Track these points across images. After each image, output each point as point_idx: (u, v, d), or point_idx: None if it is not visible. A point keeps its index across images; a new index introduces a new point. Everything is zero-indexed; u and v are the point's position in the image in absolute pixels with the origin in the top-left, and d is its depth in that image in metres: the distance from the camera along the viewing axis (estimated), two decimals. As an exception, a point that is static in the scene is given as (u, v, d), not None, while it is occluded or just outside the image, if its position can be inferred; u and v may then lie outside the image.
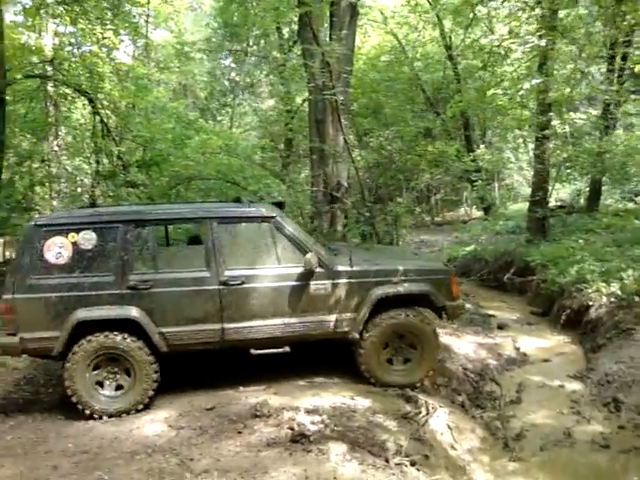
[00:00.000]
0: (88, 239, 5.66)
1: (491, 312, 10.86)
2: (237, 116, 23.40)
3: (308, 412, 5.23)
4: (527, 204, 15.66)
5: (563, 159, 14.34)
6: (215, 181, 10.13)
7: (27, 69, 13.43)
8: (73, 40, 16.20)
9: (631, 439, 5.57)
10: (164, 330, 5.63)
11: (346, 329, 5.96)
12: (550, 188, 14.25)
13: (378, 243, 8.12)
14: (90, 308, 5.54)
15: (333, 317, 5.91)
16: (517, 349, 8.79)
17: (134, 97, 13.37)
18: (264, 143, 16.87)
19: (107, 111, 13.48)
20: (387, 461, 4.62)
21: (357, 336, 5.98)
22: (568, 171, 15.19)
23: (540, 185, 13.91)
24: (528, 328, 9.93)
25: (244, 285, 5.70)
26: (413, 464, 4.69)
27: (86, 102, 14.63)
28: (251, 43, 20.86)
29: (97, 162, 13.64)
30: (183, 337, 5.68)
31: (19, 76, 12.96)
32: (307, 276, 5.79)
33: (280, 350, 5.89)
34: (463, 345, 8.53)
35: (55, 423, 5.56)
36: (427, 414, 5.67)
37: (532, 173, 15.23)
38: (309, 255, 5.70)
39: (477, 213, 22.39)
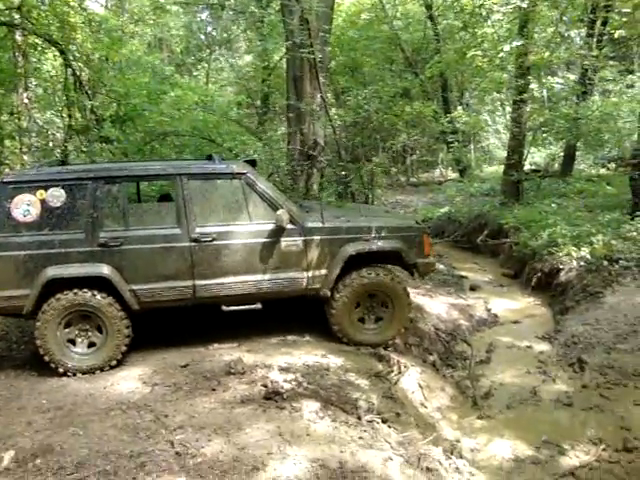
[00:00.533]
0: (57, 196, 5.56)
1: (464, 273, 11.01)
2: (213, 72, 22.92)
3: (281, 370, 5.29)
4: (502, 167, 15.76)
5: (539, 123, 14.40)
6: (190, 137, 9.97)
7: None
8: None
9: (593, 397, 5.74)
10: (135, 287, 5.61)
11: (318, 286, 5.97)
12: (525, 152, 14.34)
13: (353, 202, 8.10)
14: (60, 266, 5.48)
15: (305, 274, 5.92)
16: (488, 310, 8.96)
17: (107, 49, 12.97)
18: (240, 100, 16.61)
19: (79, 63, 13.08)
20: (359, 418, 4.70)
21: (329, 294, 6.00)
22: (544, 135, 15.29)
23: (516, 148, 13.98)
24: (500, 290, 10.11)
25: (215, 242, 5.68)
26: (384, 421, 4.79)
27: (57, 53, 14.20)
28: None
29: (69, 116, 13.28)
30: (154, 294, 5.67)
31: (-15, 24, 12.50)
32: (278, 233, 5.78)
33: (252, 307, 5.94)
34: (435, 305, 8.65)
35: (28, 380, 5.53)
36: (399, 373, 5.79)
37: (508, 136, 15.28)
38: (280, 211, 5.67)
39: (452, 175, 22.45)
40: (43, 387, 5.30)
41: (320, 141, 8.23)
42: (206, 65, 22.05)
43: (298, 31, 7.71)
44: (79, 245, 5.53)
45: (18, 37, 15.17)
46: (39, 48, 15.09)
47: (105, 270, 5.53)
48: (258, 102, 17.75)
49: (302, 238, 5.87)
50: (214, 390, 4.97)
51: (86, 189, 5.60)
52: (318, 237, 5.92)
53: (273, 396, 4.76)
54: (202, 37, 21.98)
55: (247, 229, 5.78)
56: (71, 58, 12.85)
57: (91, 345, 5.67)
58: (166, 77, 14.12)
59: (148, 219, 5.96)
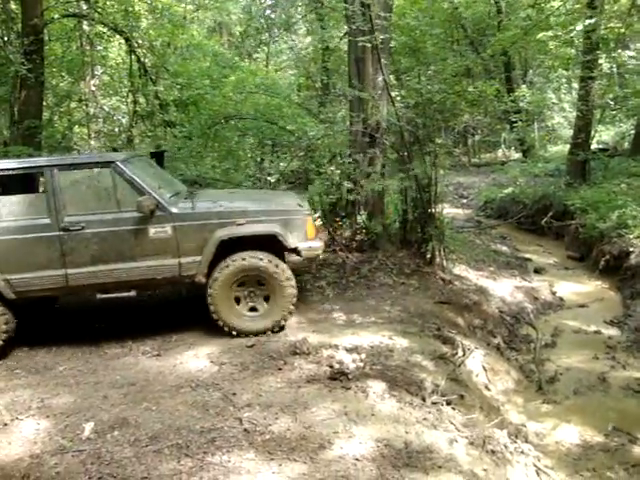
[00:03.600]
0: None
1: (528, 256, 10.81)
2: (273, 55, 23.01)
3: (347, 350, 5.35)
4: (568, 147, 15.27)
5: (609, 100, 13.84)
6: (252, 120, 10.05)
7: (62, 8, 13.36)
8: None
9: (666, 385, 5.59)
10: (9, 277, 5.69)
11: (192, 273, 5.88)
12: (593, 130, 13.83)
13: (417, 185, 8.03)
14: None
15: (177, 261, 5.83)
16: (553, 293, 8.79)
17: (170, 35, 13.23)
18: (301, 82, 16.62)
19: (143, 50, 13.41)
20: (424, 400, 4.71)
21: (203, 280, 5.89)
22: (613, 112, 14.69)
23: (583, 127, 13.53)
24: (565, 273, 9.89)
25: (84, 231, 5.71)
26: (449, 403, 4.78)
27: (122, 41, 14.58)
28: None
29: (134, 102, 13.66)
30: (29, 284, 5.72)
31: (56, 15, 12.92)
32: (145, 220, 5.73)
33: (125, 294, 5.93)
34: (499, 288, 8.56)
35: (101, 357, 5.78)
36: (463, 355, 5.76)
37: (575, 114, 14.77)
38: (141, 198, 5.60)
39: (515, 155, 21.92)
40: (116, 364, 5.54)
41: (382, 123, 8.18)
42: (265, 48, 22.16)
43: (359, 16, 7.64)
44: None
45: (85, 27, 15.64)
46: (105, 37, 15.51)
47: None
48: (318, 84, 17.73)
49: (171, 224, 5.77)
50: (280, 370, 5.07)
51: None
52: (188, 223, 5.81)
53: (338, 376, 4.82)
54: (261, 20, 22.04)
55: (116, 217, 5.77)
56: (135, 45, 13.17)
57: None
58: (227, 61, 14.27)
59: (20, 210, 5.90)
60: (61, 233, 5.70)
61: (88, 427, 4.19)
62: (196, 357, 5.52)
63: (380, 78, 8.23)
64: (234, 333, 5.86)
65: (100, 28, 14.83)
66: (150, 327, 6.35)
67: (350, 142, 8.69)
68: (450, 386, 5.10)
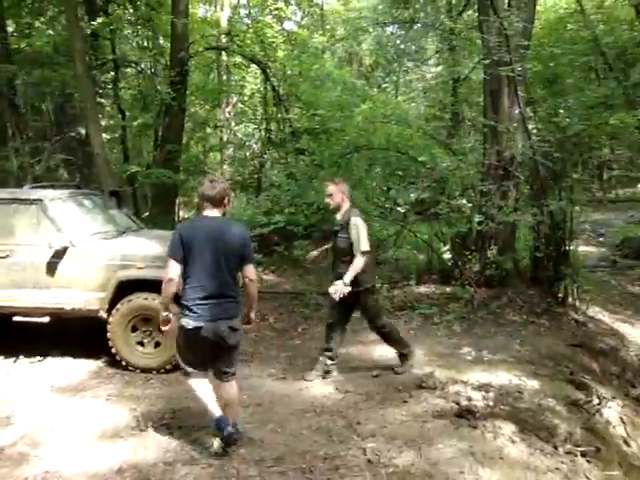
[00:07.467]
0: None
1: (673, 300, 9.99)
2: (403, 84, 23.17)
3: (474, 388, 5.21)
4: None
5: None
6: (380, 150, 10.12)
7: (205, 42, 14.29)
8: (246, 12, 17.01)
9: None
10: None
11: (95, 308, 6.18)
12: None
13: (550, 220, 7.72)
14: None
15: (83, 295, 6.19)
16: (703, 343, 8.04)
17: (306, 65, 13.73)
18: (431, 112, 16.59)
19: (277, 79, 13.99)
20: (555, 447, 4.47)
21: (105, 316, 6.15)
22: None
23: None
24: None
25: (8, 259, 6.24)
26: (584, 455, 4.50)
27: (257, 71, 15.33)
28: (418, 9, 20.43)
29: (267, 130, 14.26)
30: None
31: (200, 49, 13.84)
32: (60, 254, 6.19)
33: (39, 320, 6.77)
34: (637, 334, 7.98)
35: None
36: (599, 404, 5.41)
37: None
38: (53, 236, 6.12)
39: (658, 191, 20.49)
40: (243, 384, 5.69)
41: (517, 156, 7.97)
42: (395, 78, 22.37)
43: (497, 48, 7.53)
44: None
45: (224, 58, 16.64)
46: (243, 67, 16.38)
47: None
48: (448, 114, 17.63)
49: (81, 260, 6.18)
50: (405, 402, 5.03)
51: None
52: (96, 261, 6.19)
53: (465, 414, 4.70)
54: (391, 50, 22.31)
55: (36, 249, 6.24)
56: (270, 74, 13.79)
57: None
58: (357, 90, 14.54)
59: None
60: None
61: (216, 442, 4.34)
62: (321, 383, 5.59)
63: (517, 110, 8.03)
64: (131, 369, 6.13)
65: (238, 59, 15.72)
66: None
67: (482, 174, 8.54)
68: (584, 436, 4.80)
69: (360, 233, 5.39)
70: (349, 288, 5.31)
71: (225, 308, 4.22)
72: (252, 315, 4.52)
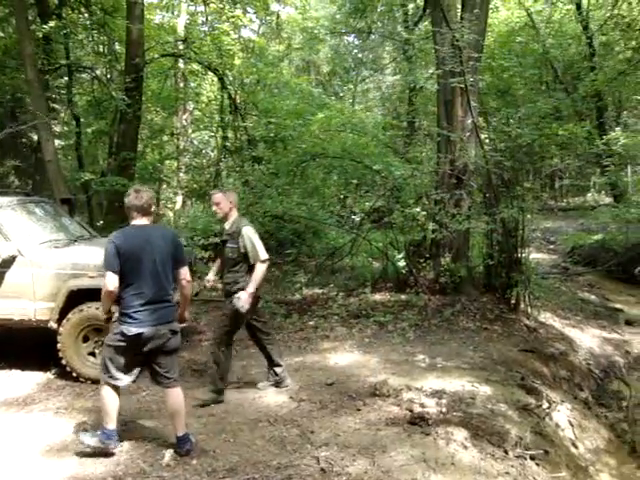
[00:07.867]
0: None
1: (618, 306, 10.30)
2: (359, 93, 23.34)
3: (427, 395, 5.24)
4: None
5: None
6: (336, 159, 10.16)
7: (161, 48, 14.14)
8: (203, 19, 16.93)
9: None
10: None
11: (45, 318, 6.10)
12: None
13: (503, 228, 7.86)
14: None
15: (32, 305, 6.10)
16: (648, 347, 8.30)
17: (261, 73, 13.72)
18: (387, 121, 16.76)
19: (234, 87, 13.96)
20: (506, 452, 4.52)
21: (55, 326, 6.07)
22: None
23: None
24: (661, 326, 9.33)
25: None
26: (532, 458, 4.57)
27: (214, 78, 15.26)
28: (375, 19, 20.67)
29: (224, 137, 14.20)
30: None
31: (156, 55, 13.70)
32: (7, 263, 6.08)
33: None
34: (587, 338, 8.20)
35: (182, 386, 5.89)
36: (549, 408, 5.51)
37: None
38: (3, 243, 6.03)
39: (606, 199, 21.08)
40: (195, 394, 5.62)
41: (470, 165, 8.11)
42: (352, 87, 22.54)
43: (449, 58, 7.67)
44: None
45: (181, 65, 16.51)
46: (199, 74, 16.28)
47: None
48: (404, 123, 17.84)
49: (30, 270, 6.07)
50: (359, 410, 5.02)
51: None
52: (46, 270, 6.08)
53: (418, 421, 4.72)
54: (349, 59, 22.50)
55: None
56: (227, 82, 13.74)
57: None
58: (314, 98, 14.59)
59: None
60: None
61: (168, 454, 4.27)
62: (275, 392, 5.56)
63: (469, 120, 8.20)
64: (82, 380, 6.02)
65: (195, 66, 15.62)
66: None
67: (436, 183, 8.65)
68: (534, 440, 4.87)
69: (255, 242, 5.33)
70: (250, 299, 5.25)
71: (164, 313, 4.32)
72: (186, 315, 4.71)
